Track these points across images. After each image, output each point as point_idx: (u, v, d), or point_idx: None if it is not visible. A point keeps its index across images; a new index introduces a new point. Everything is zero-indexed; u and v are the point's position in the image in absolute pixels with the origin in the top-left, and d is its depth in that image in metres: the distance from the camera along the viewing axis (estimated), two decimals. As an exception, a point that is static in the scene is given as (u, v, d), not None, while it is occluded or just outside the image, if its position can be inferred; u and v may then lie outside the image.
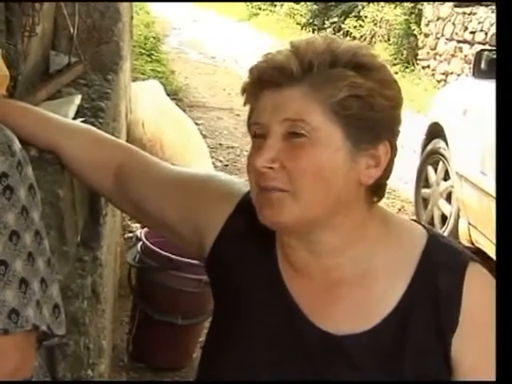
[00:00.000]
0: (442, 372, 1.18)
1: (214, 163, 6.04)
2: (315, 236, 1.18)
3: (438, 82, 10.92)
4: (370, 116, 1.13)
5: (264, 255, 1.25)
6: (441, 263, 1.19)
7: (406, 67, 11.92)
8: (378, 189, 1.20)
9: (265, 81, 1.15)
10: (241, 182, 1.36)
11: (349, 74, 1.12)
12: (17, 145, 1.07)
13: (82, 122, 1.71)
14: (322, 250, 1.19)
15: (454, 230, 4.86)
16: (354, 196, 1.16)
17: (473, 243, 4.59)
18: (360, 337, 1.17)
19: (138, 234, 3.32)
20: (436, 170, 5.25)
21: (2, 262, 1.01)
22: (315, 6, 15.93)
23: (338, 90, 1.11)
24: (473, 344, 1.17)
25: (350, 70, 1.12)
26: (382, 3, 13.62)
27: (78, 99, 2.01)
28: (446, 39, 11.05)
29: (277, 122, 1.13)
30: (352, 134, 1.12)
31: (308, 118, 1.11)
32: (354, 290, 1.19)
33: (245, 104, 1.21)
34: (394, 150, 1.18)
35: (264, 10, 18.60)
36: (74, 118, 1.83)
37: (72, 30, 2.33)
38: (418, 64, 11.86)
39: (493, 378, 1.15)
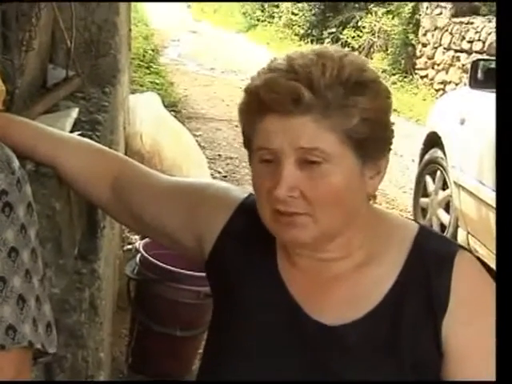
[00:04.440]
0: (435, 355, 1.20)
1: (212, 174, 6.05)
2: (324, 245, 1.22)
3: (436, 91, 10.95)
4: (377, 135, 1.18)
5: (263, 256, 1.29)
6: (430, 251, 1.23)
7: (405, 77, 11.95)
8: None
9: (269, 106, 1.14)
10: (238, 189, 1.40)
11: (359, 100, 1.15)
12: (16, 163, 1.08)
13: (80, 135, 1.72)
14: (325, 256, 1.24)
15: (453, 240, 4.86)
16: (361, 205, 1.22)
17: (472, 253, 4.59)
18: (353, 326, 1.21)
19: (137, 246, 3.33)
20: (434, 180, 5.25)
21: (1, 278, 1.01)
22: (313, 17, 15.97)
23: (350, 117, 1.14)
24: (463, 328, 1.19)
25: (358, 95, 1.15)
26: (379, 14, 13.66)
27: (75, 112, 2.02)
28: (444, 49, 11.09)
29: (289, 149, 1.14)
30: (361, 154, 1.17)
31: (322, 145, 1.14)
32: (346, 281, 1.24)
33: (240, 123, 1.22)
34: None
35: (262, 21, 18.66)
36: (72, 132, 1.84)
37: (69, 44, 2.34)
38: (416, 74, 11.89)
39: (484, 365, 1.17)
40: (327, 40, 14.46)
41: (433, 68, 11.41)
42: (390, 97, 1.22)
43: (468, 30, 10.31)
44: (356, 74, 1.16)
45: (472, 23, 10.28)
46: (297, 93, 1.12)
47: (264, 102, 1.15)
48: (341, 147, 1.15)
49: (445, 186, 5.12)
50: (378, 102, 1.17)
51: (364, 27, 13.89)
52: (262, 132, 1.17)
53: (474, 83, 4.73)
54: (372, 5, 14.05)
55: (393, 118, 1.24)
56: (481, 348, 1.19)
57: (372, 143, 1.17)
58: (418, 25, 12.14)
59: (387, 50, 13.08)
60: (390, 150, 1.23)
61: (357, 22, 14.22)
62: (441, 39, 11.20)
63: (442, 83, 11.01)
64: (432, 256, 1.23)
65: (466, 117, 4.74)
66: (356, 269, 1.24)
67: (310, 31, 15.99)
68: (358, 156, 1.17)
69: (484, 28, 9.86)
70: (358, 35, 13.91)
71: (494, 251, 4.03)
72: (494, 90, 4.13)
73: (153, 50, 12.45)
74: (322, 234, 1.18)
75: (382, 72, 11.31)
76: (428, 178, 5.33)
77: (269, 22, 18.32)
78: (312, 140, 1.13)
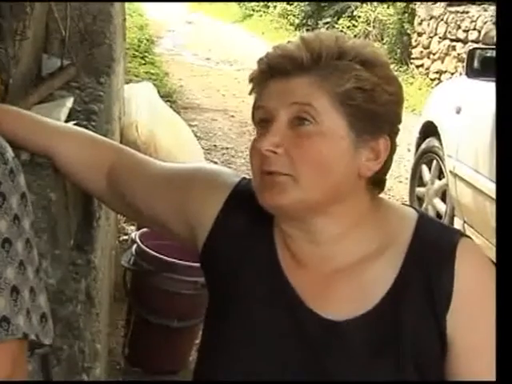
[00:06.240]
0: (437, 352, 1.18)
1: (208, 165, 6.03)
2: (314, 224, 1.20)
3: (432, 80, 10.94)
4: (373, 109, 1.16)
5: (262, 246, 1.26)
6: (431, 242, 1.21)
7: (400, 66, 11.93)
8: (377, 182, 1.24)
9: (274, 68, 1.18)
10: (229, 172, 1.38)
11: (355, 67, 1.16)
12: (10, 153, 1.07)
13: (75, 124, 1.71)
14: (320, 238, 1.21)
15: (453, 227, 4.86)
16: (354, 186, 1.19)
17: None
18: (356, 321, 1.18)
19: (133, 236, 3.31)
20: (430, 169, 5.25)
21: None
22: (308, 7, 15.95)
23: (344, 81, 1.15)
24: (467, 320, 1.17)
25: (356, 63, 1.16)
26: (374, 3, 13.64)
27: (69, 102, 2.01)
28: (440, 38, 11.07)
29: (283, 106, 1.16)
30: (355, 125, 1.16)
31: (315, 103, 1.15)
32: (349, 276, 1.21)
33: (250, 92, 1.24)
34: (393, 145, 1.22)
35: (257, 11, 18.61)
36: (67, 121, 1.83)
37: (64, 34, 2.33)
38: (411, 63, 11.88)
39: (489, 357, 1.15)
40: (322, 30, 14.41)
41: (428, 57, 11.40)
42: (394, 83, 1.21)
43: (463, 19, 10.30)
44: (359, 49, 1.19)
45: (467, 12, 10.26)
46: (297, 55, 1.16)
47: (268, 65, 1.19)
48: (333, 111, 1.15)
49: (441, 176, 5.12)
50: (376, 79, 1.17)
51: (359, 17, 13.87)
52: (263, 95, 1.20)
53: (471, 72, 4.71)
54: (367, -6, 14.04)
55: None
56: (488, 343, 1.16)
57: (366, 116, 1.16)
58: (413, 14, 12.12)
59: (383, 39, 13.05)
60: (390, 135, 1.20)
61: (352, 12, 14.19)
62: (436, 28, 11.18)
63: (437, 73, 11.00)
64: (433, 248, 1.20)
65: (462, 106, 4.73)
66: (358, 263, 1.21)
67: (305, 21, 15.96)
68: (351, 127, 1.16)
69: (479, 17, 9.85)
70: (354, 25, 13.89)
71: (491, 240, 4.03)
72: (491, 79, 4.13)
73: (148, 40, 12.41)
74: (303, 201, 1.16)
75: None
76: (424, 168, 5.33)
77: (264, 12, 18.28)
78: (305, 96, 1.15)
